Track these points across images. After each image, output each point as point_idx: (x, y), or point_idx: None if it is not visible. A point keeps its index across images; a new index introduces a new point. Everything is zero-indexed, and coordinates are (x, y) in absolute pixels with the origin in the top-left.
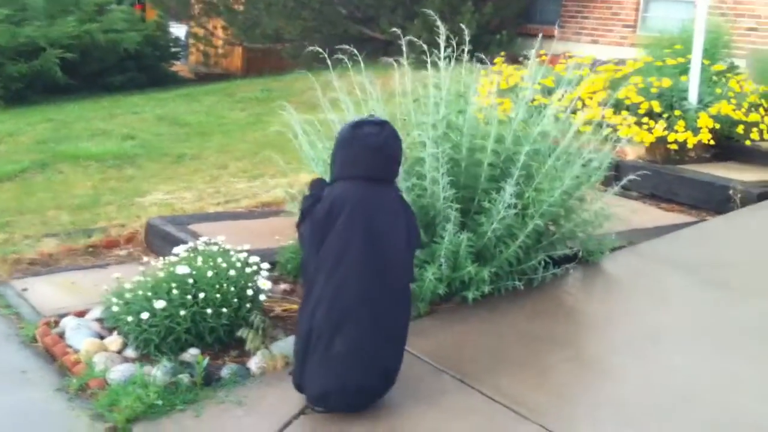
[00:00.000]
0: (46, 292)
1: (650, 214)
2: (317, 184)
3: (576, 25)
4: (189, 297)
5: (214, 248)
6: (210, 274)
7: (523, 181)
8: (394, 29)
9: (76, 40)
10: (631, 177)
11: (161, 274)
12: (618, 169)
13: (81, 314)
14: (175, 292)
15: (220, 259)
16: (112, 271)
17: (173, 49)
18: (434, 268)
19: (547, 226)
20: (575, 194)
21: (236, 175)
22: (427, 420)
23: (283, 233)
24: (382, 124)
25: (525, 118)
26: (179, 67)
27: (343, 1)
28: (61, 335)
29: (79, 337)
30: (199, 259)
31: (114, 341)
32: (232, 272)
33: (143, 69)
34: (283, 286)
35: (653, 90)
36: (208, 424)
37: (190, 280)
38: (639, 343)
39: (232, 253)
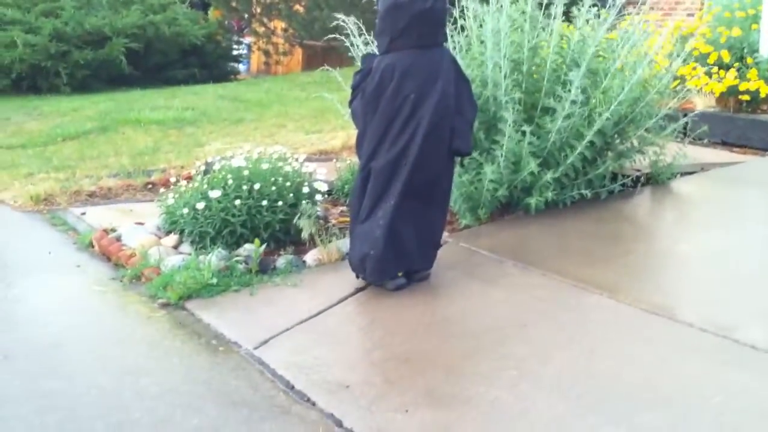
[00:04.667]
0: (103, 216)
1: (721, 156)
2: (367, 59)
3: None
4: (244, 188)
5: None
6: (265, 166)
7: (590, 86)
8: None
9: (140, 31)
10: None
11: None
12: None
13: (138, 224)
14: (230, 182)
15: (276, 157)
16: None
17: (235, 51)
18: (493, 167)
19: (613, 138)
20: (645, 99)
21: (294, 131)
22: (487, 294)
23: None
24: None
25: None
26: (241, 76)
27: None
28: (118, 239)
29: (136, 237)
30: (255, 155)
31: (170, 239)
32: (287, 168)
33: (206, 66)
34: (340, 209)
35: (722, 40)
36: (263, 300)
37: (246, 173)
38: (707, 234)
39: (288, 157)
